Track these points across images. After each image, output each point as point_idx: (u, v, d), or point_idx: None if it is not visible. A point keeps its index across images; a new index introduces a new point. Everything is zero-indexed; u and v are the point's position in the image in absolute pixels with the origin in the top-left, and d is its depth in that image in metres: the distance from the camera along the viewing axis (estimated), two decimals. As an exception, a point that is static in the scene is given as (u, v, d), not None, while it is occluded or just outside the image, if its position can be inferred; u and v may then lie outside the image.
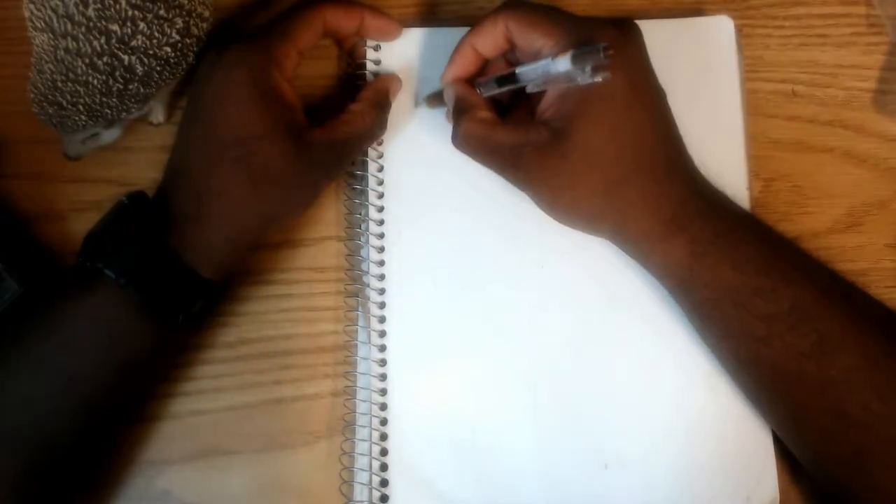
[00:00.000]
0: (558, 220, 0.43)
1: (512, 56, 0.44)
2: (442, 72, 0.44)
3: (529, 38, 0.41)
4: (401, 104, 0.47)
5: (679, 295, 0.42)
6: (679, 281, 0.41)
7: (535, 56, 0.41)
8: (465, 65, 0.44)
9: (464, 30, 0.47)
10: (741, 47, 0.48)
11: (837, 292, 0.40)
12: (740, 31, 0.48)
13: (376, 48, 0.47)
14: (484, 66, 0.44)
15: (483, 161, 0.42)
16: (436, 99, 0.47)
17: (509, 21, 0.41)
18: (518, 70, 0.41)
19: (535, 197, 0.42)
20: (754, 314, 0.39)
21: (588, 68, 0.37)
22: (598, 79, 0.37)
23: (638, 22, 0.47)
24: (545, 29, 0.41)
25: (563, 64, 0.38)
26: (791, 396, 0.40)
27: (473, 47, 0.43)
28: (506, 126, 0.42)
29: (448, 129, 0.45)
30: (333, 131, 0.43)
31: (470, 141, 0.42)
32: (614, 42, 0.39)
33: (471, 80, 0.44)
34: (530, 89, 0.41)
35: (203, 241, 0.40)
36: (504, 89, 0.42)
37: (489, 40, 0.43)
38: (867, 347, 0.38)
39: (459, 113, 0.42)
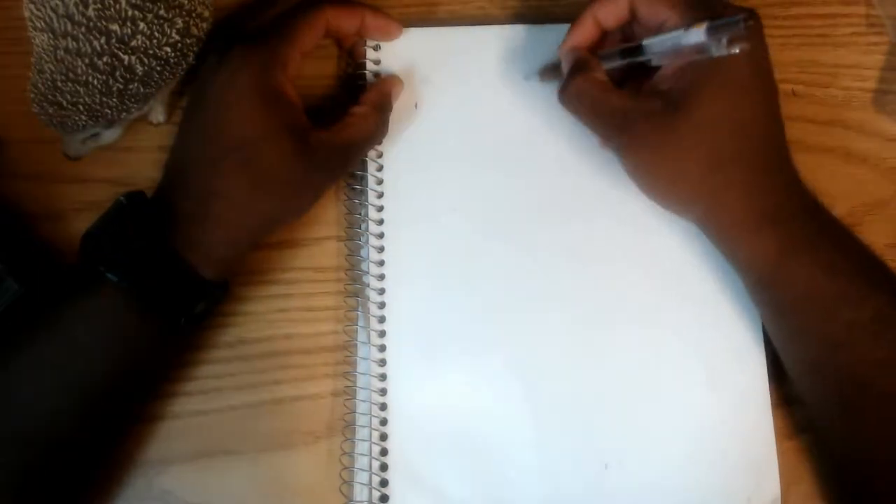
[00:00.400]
0: (649, 194, 0.42)
1: (629, 31, 0.43)
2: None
3: (654, 9, 0.41)
4: (401, 104, 0.47)
5: (759, 290, 0.42)
6: (763, 276, 0.41)
7: (658, 29, 0.41)
8: (585, 35, 0.43)
9: (464, 29, 0.48)
10: (741, 47, 0.48)
11: None
12: (740, 31, 0.48)
13: (376, 48, 0.47)
14: (603, 38, 0.44)
15: (588, 120, 0.42)
16: (550, 72, 0.46)
17: None
18: (645, 42, 0.41)
19: (634, 166, 0.41)
20: (837, 319, 0.39)
21: (724, 39, 0.37)
22: (735, 50, 0.36)
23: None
24: (672, 1, 0.40)
25: (696, 35, 0.37)
26: (858, 403, 0.40)
27: (595, 17, 0.43)
28: (618, 91, 0.41)
29: (447, 134, 0.46)
30: (336, 134, 0.43)
31: (582, 98, 0.41)
32: (751, 20, 0.38)
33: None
34: (655, 62, 0.41)
35: (204, 242, 0.40)
36: (627, 61, 0.42)
37: (613, 10, 0.42)
38: None
39: (576, 70, 0.42)
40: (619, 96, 0.41)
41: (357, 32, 0.46)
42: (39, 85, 0.41)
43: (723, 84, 0.39)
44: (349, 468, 0.44)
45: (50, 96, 0.41)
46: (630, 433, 0.44)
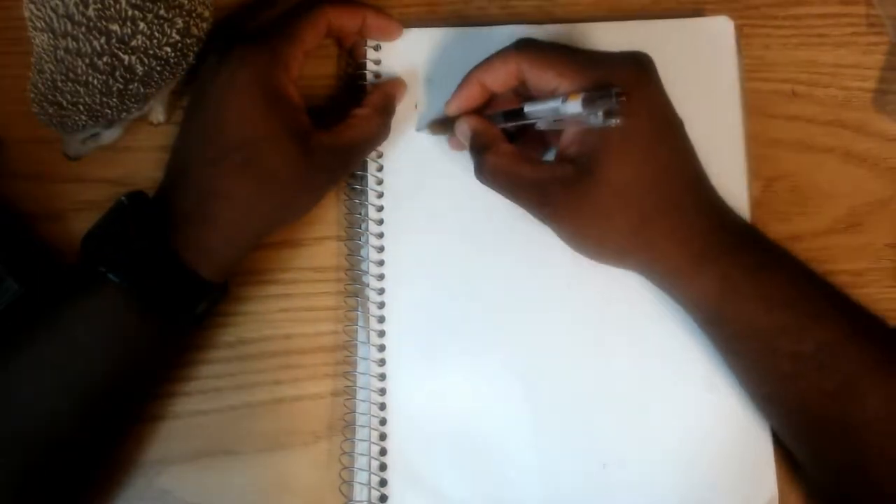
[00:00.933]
0: (585, 254, 0.42)
1: (521, 88, 0.43)
2: (448, 93, 0.44)
3: (543, 77, 0.40)
4: (401, 105, 0.47)
5: (708, 329, 0.42)
6: (708, 315, 0.41)
7: (549, 94, 0.40)
8: (471, 98, 0.43)
9: (463, 30, 0.48)
10: (741, 47, 0.48)
11: (865, 332, 0.39)
12: (740, 31, 0.48)
13: (376, 48, 0.47)
14: (490, 99, 0.44)
15: (509, 195, 0.42)
16: (439, 126, 0.46)
17: (521, 61, 0.41)
18: (527, 108, 0.41)
19: (562, 233, 0.42)
20: (781, 352, 0.39)
21: (600, 112, 0.37)
22: (611, 123, 0.37)
23: (637, 22, 0.48)
24: (559, 69, 0.40)
25: (573, 107, 0.37)
26: (813, 434, 0.40)
27: (481, 82, 0.43)
28: (531, 161, 0.41)
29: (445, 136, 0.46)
30: (339, 136, 0.43)
31: (497, 175, 0.41)
32: (628, 83, 0.38)
33: (476, 113, 0.44)
34: (540, 126, 0.41)
35: (204, 243, 0.40)
36: (511, 125, 0.42)
37: (498, 77, 0.42)
38: (892, 392, 0.38)
39: (482, 147, 0.42)
40: (532, 168, 0.41)
41: (358, 32, 0.46)
42: (39, 85, 0.41)
43: (625, 147, 0.39)
44: (348, 468, 0.44)
45: (50, 96, 0.40)
46: (629, 433, 0.44)
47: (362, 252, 0.46)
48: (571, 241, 0.42)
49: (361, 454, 0.44)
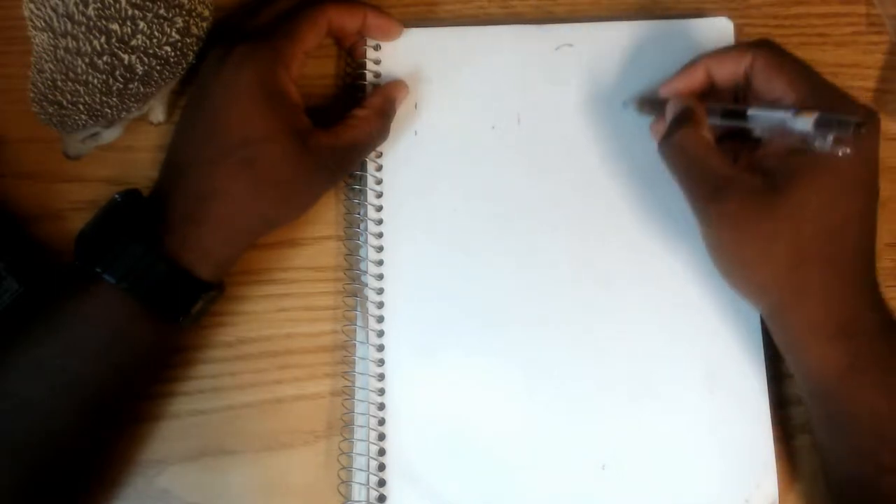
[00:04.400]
0: (724, 271, 0.40)
1: (740, 93, 0.42)
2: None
3: (772, 83, 0.39)
4: (401, 106, 0.47)
5: (816, 400, 0.40)
6: (822, 386, 0.39)
7: (770, 102, 0.39)
8: (693, 82, 0.42)
9: (464, 30, 0.48)
10: (741, 47, 0.48)
11: None
12: (741, 31, 0.48)
13: (376, 48, 0.47)
14: (708, 91, 0.43)
15: (681, 177, 0.40)
16: (648, 105, 0.45)
17: (758, 58, 0.40)
18: (750, 111, 0.39)
19: (717, 239, 0.40)
20: (891, 445, 0.38)
21: (830, 137, 0.35)
22: (838, 152, 0.35)
23: (638, 23, 0.48)
24: (792, 80, 0.39)
25: (803, 123, 0.36)
26: None
27: (708, 69, 0.42)
28: (723, 156, 0.39)
29: (447, 135, 0.46)
30: (338, 136, 0.43)
31: (681, 152, 0.40)
32: (865, 124, 0.37)
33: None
34: (757, 133, 0.40)
35: (201, 242, 0.40)
36: (727, 123, 0.41)
37: (728, 69, 0.41)
38: None
39: (682, 121, 0.40)
40: (721, 161, 0.39)
41: (358, 32, 0.46)
42: (39, 84, 0.41)
43: (829, 179, 0.37)
44: (347, 468, 0.44)
45: (50, 95, 0.41)
46: (628, 434, 0.44)
47: (361, 252, 0.46)
48: (722, 253, 0.40)
49: (360, 454, 0.43)
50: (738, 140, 0.42)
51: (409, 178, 0.46)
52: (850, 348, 0.38)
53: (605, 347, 0.45)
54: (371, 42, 0.47)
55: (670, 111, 0.42)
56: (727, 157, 0.40)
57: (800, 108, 0.38)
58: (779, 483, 0.43)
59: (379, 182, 0.46)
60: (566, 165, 0.46)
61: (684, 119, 0.40)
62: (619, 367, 0.44)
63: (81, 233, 0.40)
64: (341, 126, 0.43)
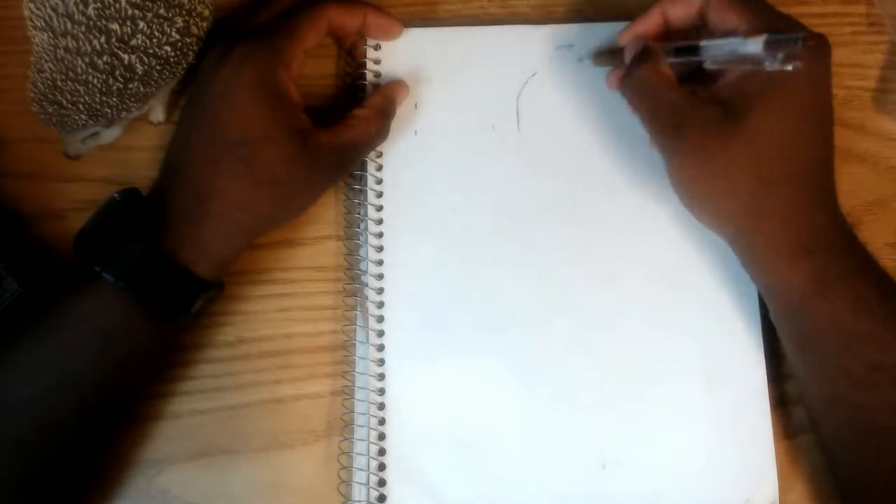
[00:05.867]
0: (688, 202, 0.41)
1: (692, 35, 0.42)
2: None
3: (725, 15, 0.40)
4: (401, 106, 0.46)
5: (783, 318, 0.41)
6: (790, 305, 0.40)
7: (724, 36, 0.40)
8: (649, 27, 0.43)
9: (464, 29, 0.48)
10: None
11: None
12: (740, 31, 0.48)
13: (377, 48, 0.47)
14: (665, 35, 0.43)
15: (643, 112, 0.41)
16: (606, 57, 0.45)
17: None
18: (703, 43, 0.40)
19: (679, 171, 0.40)
20: (861, 357, 0.38)
21: (780, 55, 0.36)
22: (789, 67, 0.36)
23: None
24: (742, 11, 0.40)
25: (754, 45, 0.37)
26: (872, 448, 0.39)
27: (664, 12, 0.42)
28: (681, 89, 0.40)
29: (447, 134, 0.46)
30: (338, 135, 0.43)
31: (642, 87, 0.41)
32: (812, 42, 0.38)
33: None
34: (708, 65, 0.40)
35: (200, 241, 0.40)
36: (681, 60, 0.41)
37: (683, 8, 0.42)
38: None
39: (642, 58, 0.41)
40: (681, 94, 0.40)
41: (358, 31, 0.46)
42: (39, 84, 0.41)
43: (783, 102, 0.38)
44: (347, 468, 0.44)
45: (50, 95, 0.41)
46: (628, 434, 0.44)
47: (361, 252, 0.46)
48: (685, 184, 0.41)
49: (360, 454, 0.43)
50: (697, 80, 0.42)
51: (410, 178, 0.46)
52: (814, 264, 0.39)
53: (605, 347, 0.45)
54: (371, 42, 0.47)
55: (628, 53, 0.43)
56: (687, 91, 0.40)
57: (749, 33, 0.38)
58: (779, 483, 0.43)
59: (379, 182, 0.46)
60: (566, 165, 0.46)
61: (643, 57, 0.41)
62: (618, 368, 0.44)
63: (81, 231, 0.40)
64: (341, 125, 0.43)
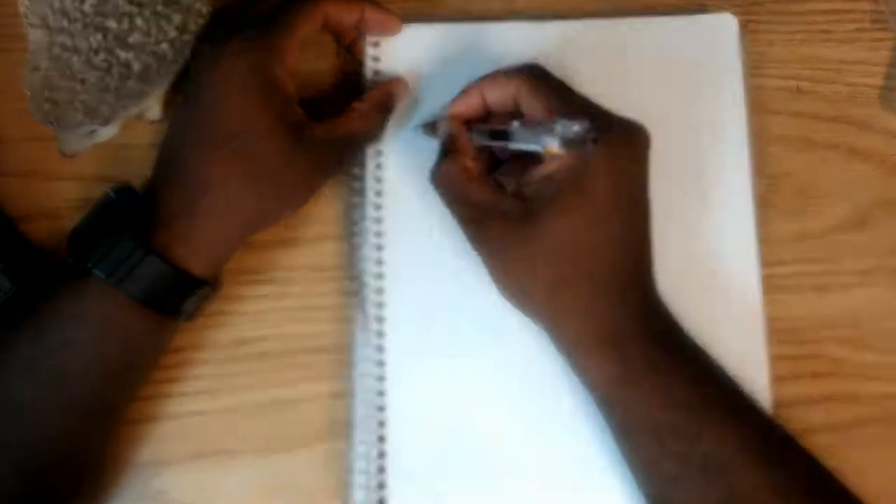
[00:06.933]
0: (500, 293, 0.41)
1: (518, 116, 0.42)
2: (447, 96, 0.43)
3: (535, 108, 0.40)
4: (401, 102, 0.46)
5: (602, 410, 0.41)
6: (602, 396, 0.40)
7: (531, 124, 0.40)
8: (470, 107, 0.43)
9: (464, 26, 0.48)
10: (745, 44, 0.48)
11: (761, 448, 0.38)
12: (744, 27, 0.48)
13: (376, 44, 0.47)
14: (487, 116, 0.43)
15: (450, 207, 0.41)
16: (431, 128, 0.45)
17: (522, 84, 0.40)
18: (513, 128, 0.40)
19: (485, 263, 0.41)
20: (669, 450, 0.38)
21: (574, 143, 0.36)
22: (580, 150, 0.36)
23: (640, 19, 0.48)
24: (553, 105, 0.39)
25: (551, 140, 0.36)
26: None
27: (481, 93, 0.42)
28: (483, 184, 0.41)
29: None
30: (334, 128, 0.42)
31: (444, 183, 0.41)
32: (616, 147, 0.38)
33: (470, 124, 0.43)
34: (513, 147, 0.40)
35: (194, 237, 0.40)
36: (494, 144, 0.41)
37: (498, 93, 0.41)
38: None
39: (445, 152, 0.42)
40: (480, 190, 0.40)
41: (356, 27, 0.46)
42: (35, 82, 0.40)
43: (579, 206, 0.38)
44: (347, 470, 0.43)
45: (46, 93, 0.40)
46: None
47: (361, 252, 0.45)
48: (492, 276, 0.41)
49: (360, 456, 0.43)
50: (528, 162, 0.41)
51: (410, 177, 0.46)
52: (618, 359, 0.39)
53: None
54: (370, 38, 0.47)
55: (440, 135, 0.43)
56: (495, 185, 0.41)
57: (545, 128, 0.37)
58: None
59: (379, 181, 0.46)
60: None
61: (448, 149, 0.42)
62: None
63: (74, 229, 0.40)
64: (338, 119, 0.43)
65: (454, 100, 0.43)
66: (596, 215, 0.39)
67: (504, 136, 0.40)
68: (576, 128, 0.36)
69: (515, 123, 0.40)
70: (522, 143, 0.39)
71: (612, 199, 0.39)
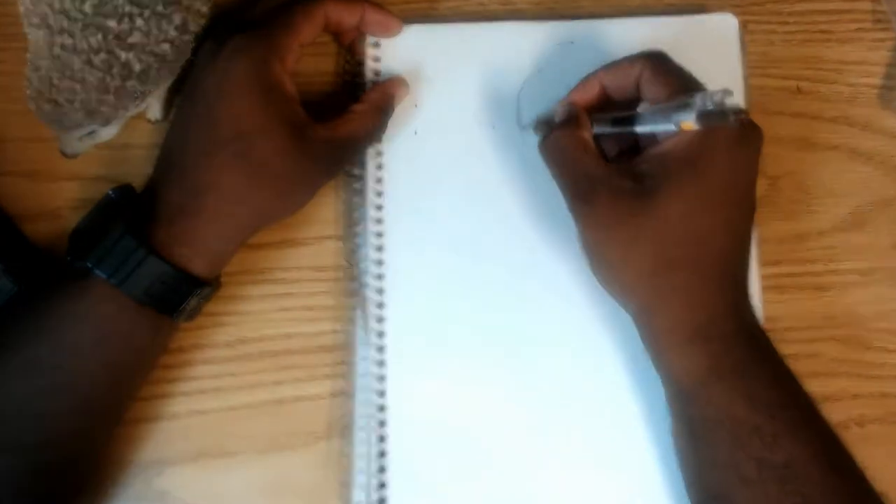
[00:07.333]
0: (595, 272, 0.41)
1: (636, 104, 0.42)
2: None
3: (657, 88, 0.39)
4: (401, 103, 0.46)
5: (677, 403, 0.40)
6: (683, 391, 0.39)
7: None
8: (588, 96, 0.42)
9: (465, 26, 0.48)
10: (745, 44, 0.48)
11: (833, 457, 0.38)
12: (744, 27, 0.48)
13: (376, 45, 0.47)
14: (605, 105, 0.43)
15: (558, 176, 0.41)
16: (545, 124, 0.45)
17: (645, 68, 0.40)
18: (640, 109, 0.39)
19: (586, 238, 0.40)
20: (749, 453, 0.37)
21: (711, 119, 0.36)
22: (720, 122, 0.36)
23: (641, 19, 0.48)
24: (675, 84, 0.39)
25: (687, 116, 0.36)
26: None
27: (602, 82, 0.42)
28: (598, 157, 0.40)
29: (447, 133, 0.46)
30: (335, 129, 0.42)
31: (557, 151, 0.41)
32: (745, 125, 0.37)
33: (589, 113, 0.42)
34: (641, 130, 0.40)
35: (195, 237, 0.40)
36: (617, 130, 0.41)
37: (619, 79, 0.41)
38: None
39: (563, 123, 0.41)
40: (594, 162, 0.40)
41: (357, 27, 0.46)
42: (35, 82, 0.40)
43: (696, 185, 0.38)
44: (348, 469, 0.43)
45: (46, 94, 0.40)
46: (630, 436, 0.44)
47: (362, 252, 0.45)
48: (591, 252, 0.40)
49: (360, 456, 0.43)
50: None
51: (410, 177, 0.46)
52: (708, 351, 0.38)
53: (607, 349, 0.44)
54: (371, 39, 0.47)
55: (557, 116, 0.42)
56: (607, 162, 0.40)
57: (678, 105, 0.37)
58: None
59: (379, 181, 0.46)
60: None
61: (565, 122, 0.41)
62: (621, 368, 0.44)
63: (75, 229, 0.40)
64: (339, 120, 0.43)
65: (572, 90, 0.43)
66: (709, 199, 0.38)
67: (628, 121, 0.40)
68: (717, 97, 0.35)
69: (643, 105, 0.39)
70: (651, 125, 0.39)
71: (726, 187, 0.38)
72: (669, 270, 0.38)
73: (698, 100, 0.36)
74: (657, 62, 0.40)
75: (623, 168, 0.39)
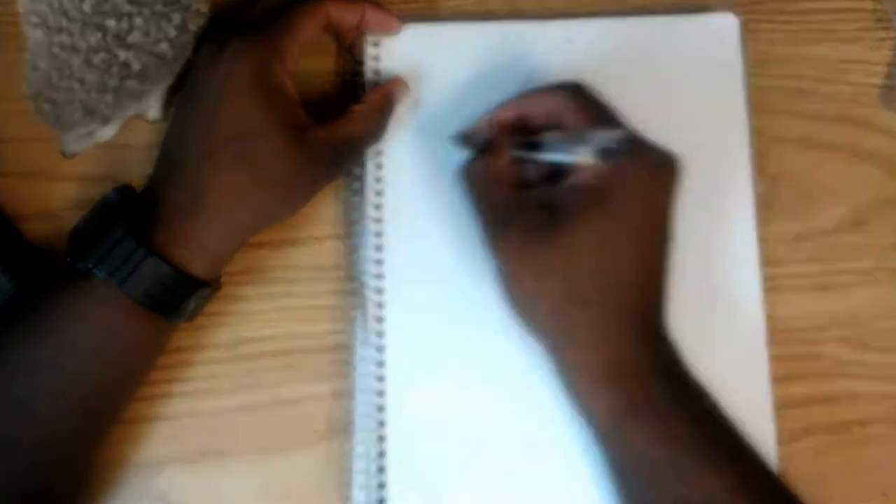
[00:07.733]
0: (508, 306, 0.40)
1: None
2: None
3: (576, 124, 0.39)
4: (401, 104, 0.46)
5: (598, 444, 0.39)
6: (601, 430, 0.39)
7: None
8: (510, 117, 0.42)
9: (464, 26, 0.48)
10: (746, 43, 0.47)
11: (761, 494, 0.37)
12: (746, 26, 0.48)
13: (376, 44, 0.47)
14: (525, 131, 0.42)
15: (474, 207, 0.41)
16: (464, 139, 0.45)
17: (566, 99, 0.40)
18: (545, 138, 0.39)
19: (498, 271, 0.40)
20: (667, 493, 0.36)
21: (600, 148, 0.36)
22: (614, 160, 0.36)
23: (641, 18, 0.47)
24: (595, 122, 0.39)
25: (585, 151, 0.36)
26: None
27: (523, 106, 0.42)
28: (511, 187, 0.40)
29: (448, 133, 0.45)
30: (336, 130, 0.42)
31: (473, 180, 0.41)
32: (648, 173, 0.38)
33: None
34: (545, 158, 0.40)
35: (195, 237, 0.40)
36: (526, 154, 0.41)
37: (540, 107, 0.41)
38: None
39: (487, 150, 0.41)
40: (509, 193, 0.39)
41: (357, 27, 0.46)
42: (34, 81, 0.40)
43: (606, 220, 0.37)
44: (347, 470, 0.43)
45: (45, 93, 0.40)
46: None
47: (361, 252, 0.45)
48: (503, 285, 0.40)
49: (360, 456, 0.43)
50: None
51: (410, 177, 0.46)
52: (621, 391, 0.37)
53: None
54: (371, 39, 0.47)
55: (481, 133, 0.42)
56: (517, 189, 0.40)
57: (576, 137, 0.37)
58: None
59: (379, 181, 0.46)
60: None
61: (484, 149, 0.41)
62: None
63: (74, 229, 0.40)
64: (339, 121, 0.43)
65: (495, 109, 0.43)
66: (618, 232, 0.38)
67: (537, 147, 0.40)
68: (612, 136, 0.36)
69: (548, 133, 0.39)
70: (554, 153, 0.39)
71: (636, 220, 0.38)
72: (578, 305, 0.38)
73: (595, 136, 0.36)
74: (578, 96, 0.40)
75: (537, 198, 0.39)
